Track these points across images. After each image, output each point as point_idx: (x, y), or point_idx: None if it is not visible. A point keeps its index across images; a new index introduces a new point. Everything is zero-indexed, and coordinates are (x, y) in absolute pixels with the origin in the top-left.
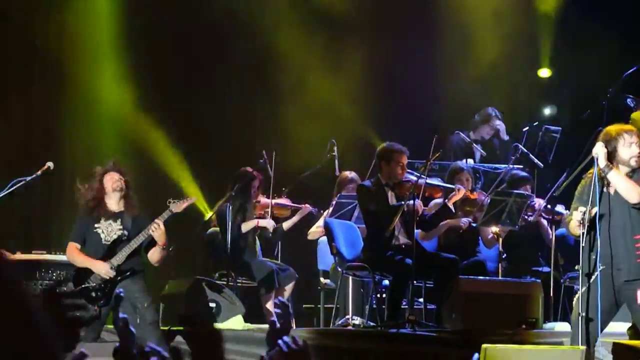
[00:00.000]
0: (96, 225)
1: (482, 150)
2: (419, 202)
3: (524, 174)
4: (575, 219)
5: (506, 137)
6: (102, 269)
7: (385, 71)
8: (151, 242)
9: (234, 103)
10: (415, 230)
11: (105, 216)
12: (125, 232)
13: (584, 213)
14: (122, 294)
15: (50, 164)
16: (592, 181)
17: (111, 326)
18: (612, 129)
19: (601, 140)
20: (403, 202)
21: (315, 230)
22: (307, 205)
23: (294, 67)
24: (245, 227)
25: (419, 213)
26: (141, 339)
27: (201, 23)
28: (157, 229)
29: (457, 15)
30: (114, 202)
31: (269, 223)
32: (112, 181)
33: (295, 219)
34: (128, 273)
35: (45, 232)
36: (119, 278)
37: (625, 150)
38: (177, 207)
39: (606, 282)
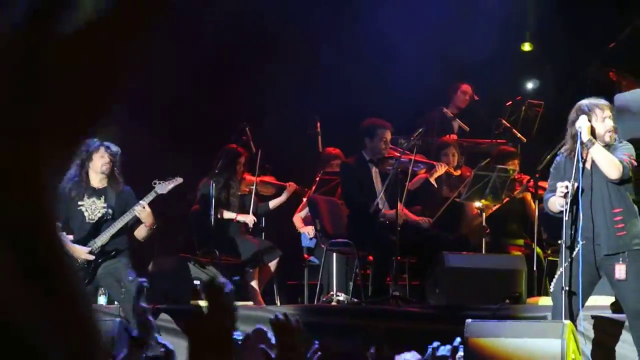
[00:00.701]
0: (79, 203)
1: (464, 125)
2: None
3: (511, 149)
4: (560, 191)
5: (476, 98)
6: (81, 255)
7: (368, 47)
8: (138, 220)
9: (216, 77)
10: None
11: (88, 193)
12: (110, 211)
13: (567, 187)
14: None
15: None
16: (568, 157)
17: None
18: (584, 103)
19: (574, 115)
20: (387, 179)
21: (298, 217)
22: (292, 183)
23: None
24: (226, 215)
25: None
26: (125, 311)
27: None
28: (142, 211)
29: None
30: (97, 179)
31: (247, 219)
32: (102, 162)
33: (282, 198)
34: (112, 253)
35: None
36: (102, 259)
37: (599, 125)
38: (163, 188)
39: (587, 256)
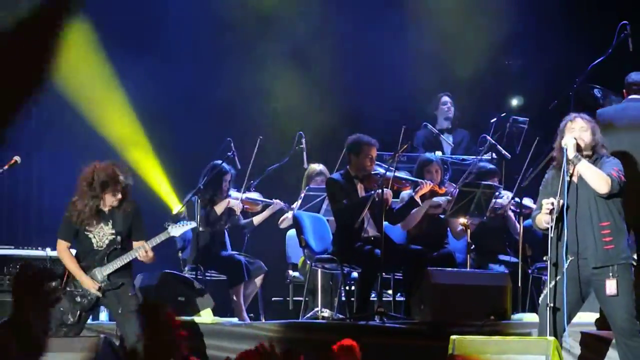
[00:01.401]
0: (88, 229)
1: (450, 142)
2: (388, 191)
3: (492, 166)
4: (545, 208)
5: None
6: (90, 288)
7: (353, 62)
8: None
9: (201, 92)
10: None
11: (97, 219)
12: (118, 238)
13: (552, 203)
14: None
15: (17, 158)
16: (555, 173)
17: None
18: (566, 118)
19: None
20: (373, 193)
21: (287, 217)
22: (278, 201)
23: (261, 56)
24: (219, 208)
25: (388, 203)
26: (122, 326)
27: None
28: (145, 256)
29: (425, 7)
30: (106, 205)
31: (237, 205)
32: (112, 200)
33: (265, 214)
34: (118, 284)
35: (12, 227)
36: (106, 289)
37: (582, 137)
38: (176, 230)
39: (573, 272)
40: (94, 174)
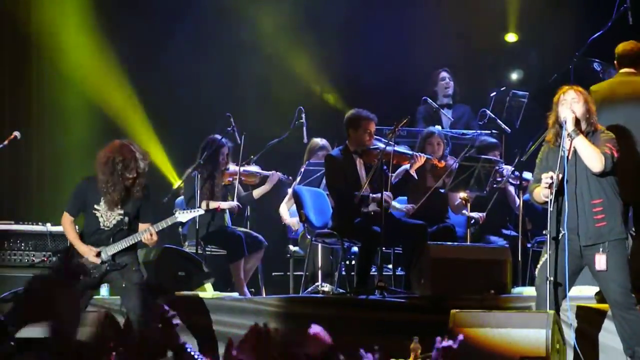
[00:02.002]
0: (95, 207)
1: (449, 117)
2: (388, 194)
3: (493, 140)
4: (544, 182)
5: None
6: (89, 257)
7: (353, 37)
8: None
9: (201, 68)
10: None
11: (114, 200)
12: (126, 219)
13: (552, 177)
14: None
15: (17, 134)
16: (551, 148)
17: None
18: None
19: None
20: (372, 171)
21: (284, 207)
22: (276, 172)
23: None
24: (210, 205)
25: (388, 206)
26: (126, 300)
27: None
28: (149, 239)
29: None
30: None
31: (231, 205)
32: (127, 180)
33: (266, 187)
34: (122, 265)
35: (13, 202)
36: (109, 268)
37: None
38: (184, 216)
39: (571, 246)
40: (120, 153)
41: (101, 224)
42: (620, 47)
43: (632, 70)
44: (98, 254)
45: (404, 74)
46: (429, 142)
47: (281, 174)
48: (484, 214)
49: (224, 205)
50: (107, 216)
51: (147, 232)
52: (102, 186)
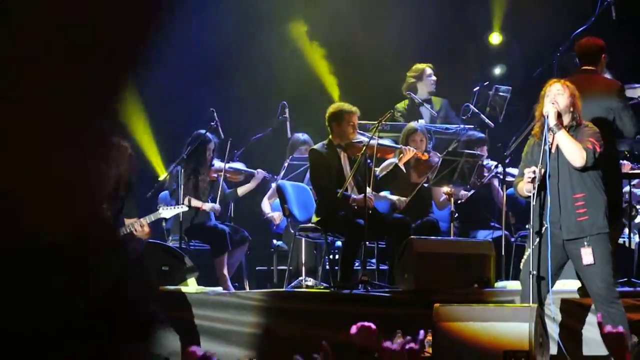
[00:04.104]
0: None
1: (432, 111)
2: (370, 198)
3: (481, 134)
4: (527, 177)
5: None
6: None
7: (335, 32)
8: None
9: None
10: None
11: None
12: (109, 214)
13: (534, 172)
14: None
15: None
16: (536, 142)
17: None
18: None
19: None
20: (356, 165)
21: (266, 202)
22: (261, 170)
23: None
24: (193, 203)
25: (370, 207)
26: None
27: None
28: (140, 231)
29: None
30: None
31: (214, 208)
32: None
33: (250, 185)
34: None
35: None
36: None
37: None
38: (168, 212)
39: (552, 240)
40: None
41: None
42: (579, 44)
43: (591, 67)
44: None
45: (387, 69)
46: (412, 138)
47: (266, 173)
48: (469, 192)
49: (206, 207)
50: None
51: (137, 224)
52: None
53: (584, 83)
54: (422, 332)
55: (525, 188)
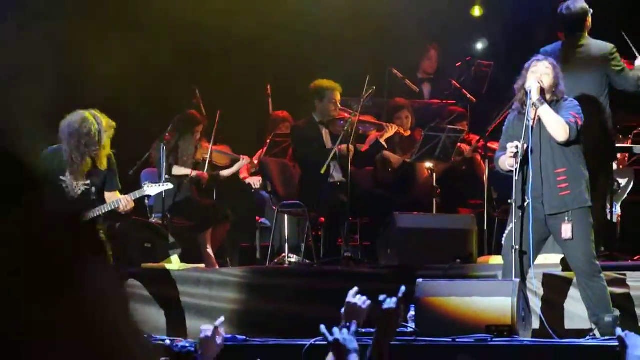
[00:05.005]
0: (61, 177)
1: (414, 87)
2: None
3: (461, 109)
4: (509, 151)
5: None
6: None
7: (318, 8)
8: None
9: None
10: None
11: (72, 168)
12: (93, 189)
13: (517, 146)
14: None
15: None
16: (517, 116)
17: None
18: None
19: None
20: (338, 141)
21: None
22: (247, 157)
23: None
24: (176, 170)
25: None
26: None
27: None
28: (127, 206)
29: None
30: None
31: (203, 175)
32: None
33: (234, 169)
34: None
35: None
36: None
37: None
38: (153, 190)
39: (535, 214)
40: (84, 124)
41: (68, 195)
42: (562, 12)
43: (579, 33)
44: None
45: (371, 44)
46: (397, 116)
47: (249, 160)
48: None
49: (195, 173)
50: (73, 187)
51: (123, 201)
52: (67, 157)
53: (574, 50)
54: (402, 288)
55: (508, 163)
